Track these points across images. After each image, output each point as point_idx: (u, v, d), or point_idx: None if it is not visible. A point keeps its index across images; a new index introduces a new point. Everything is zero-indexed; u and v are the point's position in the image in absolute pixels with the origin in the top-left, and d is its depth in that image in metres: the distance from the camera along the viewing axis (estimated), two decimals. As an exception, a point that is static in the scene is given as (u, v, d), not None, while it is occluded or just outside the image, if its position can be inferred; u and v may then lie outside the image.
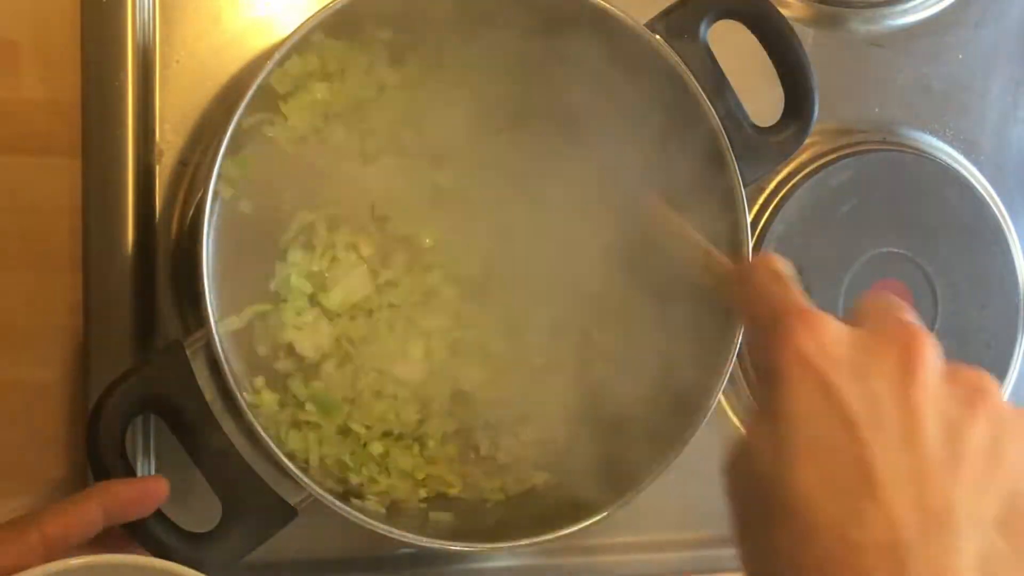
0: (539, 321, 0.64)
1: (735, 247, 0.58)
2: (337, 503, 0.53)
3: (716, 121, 0.57)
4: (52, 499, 0.59)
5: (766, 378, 0.40)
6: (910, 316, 0.41)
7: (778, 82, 0.60)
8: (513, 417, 0.63)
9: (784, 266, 0.44)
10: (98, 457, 0.51)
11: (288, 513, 0.53)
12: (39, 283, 0.59)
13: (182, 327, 0.60)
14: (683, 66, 0.57)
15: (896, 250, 0.72)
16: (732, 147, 0.58)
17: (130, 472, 0.51)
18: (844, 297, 0.71)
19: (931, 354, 0.39)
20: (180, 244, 0.61)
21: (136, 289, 0.59)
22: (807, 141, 0.72)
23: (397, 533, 0.54)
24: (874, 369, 0.38)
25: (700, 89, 0.57)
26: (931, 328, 0.73)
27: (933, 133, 0.75)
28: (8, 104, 0.58)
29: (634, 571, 0.68)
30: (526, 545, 0.55)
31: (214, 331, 0.52)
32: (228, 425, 0.53)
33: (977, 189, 0.74)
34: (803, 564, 0.36)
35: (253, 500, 0.53)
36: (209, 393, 0.52)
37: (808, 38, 0.71)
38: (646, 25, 0.57)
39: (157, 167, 0.60)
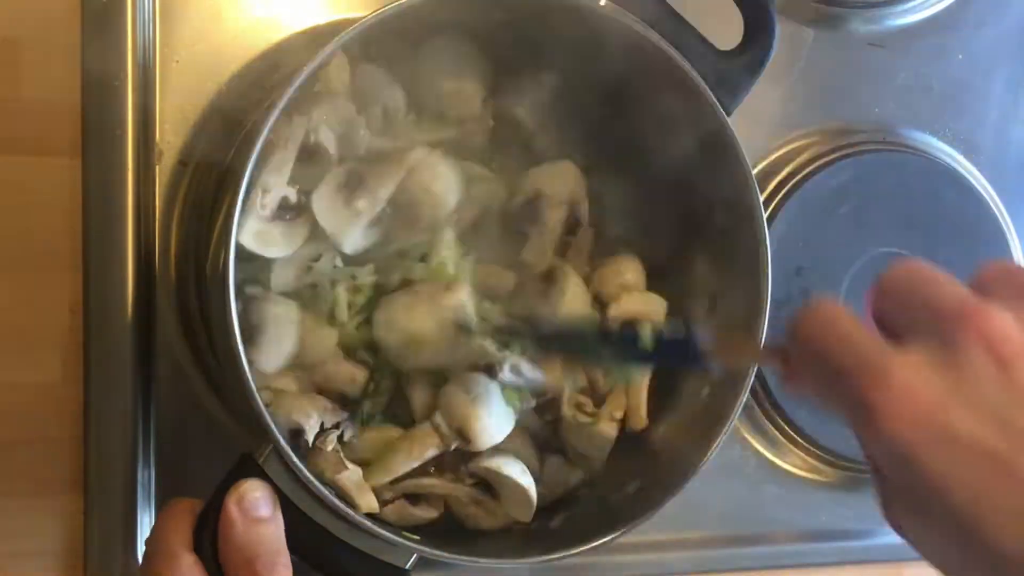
0: None
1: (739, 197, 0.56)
2: (448, 556, 0.52)
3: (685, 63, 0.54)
4: (52, 499, 0.59)
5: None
6: None
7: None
8: None
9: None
10: None
11: None
12: (39, 283, 0.59)
13: (183, 327, 0.61)
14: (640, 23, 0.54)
15: (896, 250, 0.72)
16: (705, 78, 0.54)
17: None
18: (844, 297, 0.71)
19: None
20: (187, 265, 0.61)
21: (136, 289, 0.59)
22: (807, 141, 0.72)
23: (452, 558, 0.52)
24: None
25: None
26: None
27: (933, 133, 0.75)
28: (8, 104, 0.58)
29: (634, 571, 0.68)
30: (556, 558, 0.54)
31: (283, 443, 0.48)
32: (319, 514, 0.50)
33: (977, 189, 0.74)
34: None
35: None
36: (291, 492, 0.50)
37: (808, 38, 0.71)
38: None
39: (157, 167, 0.60)
